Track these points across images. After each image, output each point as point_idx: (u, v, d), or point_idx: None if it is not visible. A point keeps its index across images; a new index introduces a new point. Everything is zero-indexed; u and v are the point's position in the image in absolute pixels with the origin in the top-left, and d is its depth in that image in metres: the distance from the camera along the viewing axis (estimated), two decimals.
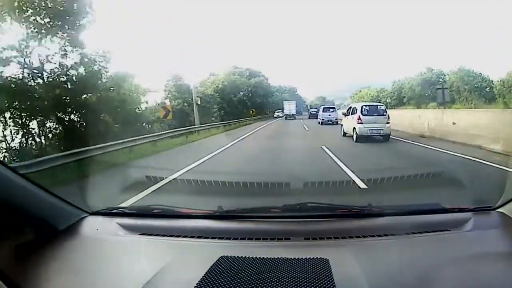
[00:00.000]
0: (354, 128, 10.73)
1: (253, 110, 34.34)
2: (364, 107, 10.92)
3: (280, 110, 38.50)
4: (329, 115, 21.97)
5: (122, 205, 3.16)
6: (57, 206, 1.32)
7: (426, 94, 34.25)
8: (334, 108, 23.73)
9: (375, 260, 1.12)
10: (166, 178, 4.93)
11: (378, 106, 11.24)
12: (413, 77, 39.48)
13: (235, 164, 7.22)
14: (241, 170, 6.31)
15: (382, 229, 1.30)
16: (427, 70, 38.62)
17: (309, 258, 1.05)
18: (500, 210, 1.41)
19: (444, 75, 36.69)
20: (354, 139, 10.69)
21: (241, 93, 36.60)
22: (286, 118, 32.82)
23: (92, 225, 1.39)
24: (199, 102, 19.61)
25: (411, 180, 4.21)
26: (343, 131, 12.44)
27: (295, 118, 32.33)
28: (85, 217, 1.44)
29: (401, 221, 1.37)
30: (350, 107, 12.50)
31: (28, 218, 1.14)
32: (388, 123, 10.57)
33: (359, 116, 10.60)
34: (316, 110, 37.22)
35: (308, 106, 51.82)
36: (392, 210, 1.53)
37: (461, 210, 1.46)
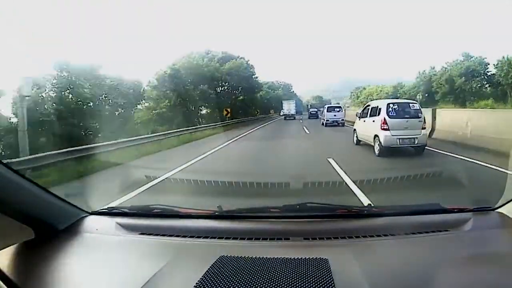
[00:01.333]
0: (376, 136, 7.66)
1: (228, 110, 23.39)
2: (391, 106, 7.73)
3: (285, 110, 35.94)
4: (335, 115, 19.36)
5: None
6: (57, 206, 1.32)
7: (473, 88, 24.77)
8: (340, 107, 21.22)
9: (375, 260, 1.12)
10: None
11: (410, 105, 7.92)
12: (447, 66, 29.85)
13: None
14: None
15: (382, 229, 1.30)
16: (464, 58, 29.11)
17: (309, 258, 1.05)
18: (499, 210, 1.41)
19: (487, 64, 27.67)
20: (376, 152, 7.59)
21: (209, 84, 24.31)
22: (285, 118, 32.62)
23: (92, 225, 1.39)
24: (24, 93, 8.99)
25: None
26: (356, 137, 9.48)
27: (294, 118, 32.14)
28: (85, 217, 1.44)
29: (401, 221, 1.37)
30: (368, 106, 9.14)
31: (28, 218, 1.14)
32: (424, 128, 7.53)
33: (384, 119, 7.49)
34: (316, 110, 36.86)
35: (308, 106, 51.19)
36: (392, 210, 1.53)
37: (461, 210, 1.46)
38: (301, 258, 1.05)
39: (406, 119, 7.51)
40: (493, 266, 1.06)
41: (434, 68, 33.02)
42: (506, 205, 1.41)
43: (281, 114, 35.74)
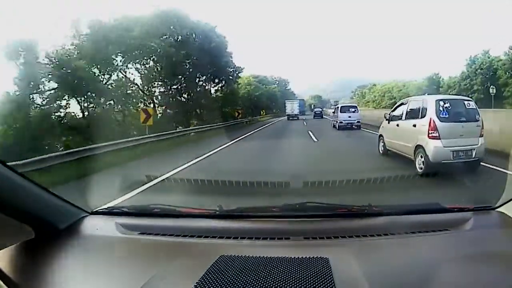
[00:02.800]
0: (419, 146, 5.56)
1: (148, 111, 12.60)
2: (441, 103, 5.51)
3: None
4: (349, 116, 16.66)
5: None
6: (57, 205, 1.32)
7: None
8: (355, 107, 18.03)
9: (375, 259, 1.12)
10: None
11: (465, 102, 5.76)
12: None
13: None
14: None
15: (382, 229, 1.30)
16: None
17: (309, 257, 1.05)
18: (500, 209, 1.41)
19: None
20: (419, 169, 5.46)
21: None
22: (288, 119, 32.58)
23: (92, 225, 1.39)
24: None
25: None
26: (383, 146, 7.31)
27: (298, 119, 32.09)
28: (85, 216, 1.44)
29: (401, 220, 1.37)
30: (402, 105, 6.89)
31: (28, 218, 1.14)
32: (481, 136, 5.49)
33: (433, 123, 5.37)
34: (320, 109, 37.46)
35: (312, 106, 51.77)
36: (392, 209, 1.53)
37: (461, 209, 1.46)
38: (302, 257, 1.05)
39: (462, 123, 5.47)
40: (493, 265, 1.06)
41: (488, 52, 22.78)
42: (507, 204, 1.40)
43: (286, 114, 35.00)
